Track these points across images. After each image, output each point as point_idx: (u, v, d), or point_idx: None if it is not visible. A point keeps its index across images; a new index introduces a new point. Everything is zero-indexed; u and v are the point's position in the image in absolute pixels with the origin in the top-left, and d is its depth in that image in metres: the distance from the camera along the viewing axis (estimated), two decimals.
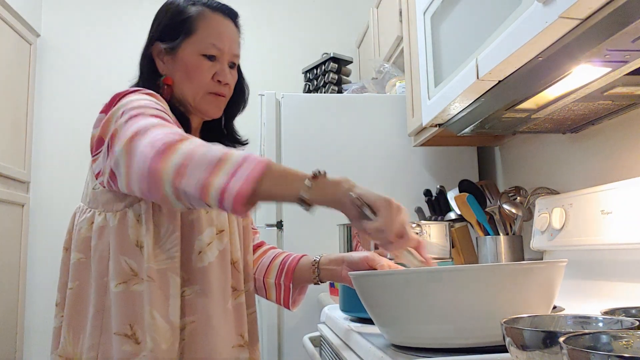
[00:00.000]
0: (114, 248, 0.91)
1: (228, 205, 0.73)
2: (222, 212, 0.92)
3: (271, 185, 0.77)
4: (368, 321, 1.05)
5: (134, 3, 3.19)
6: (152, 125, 0.80)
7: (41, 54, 3.06)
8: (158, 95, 0.95)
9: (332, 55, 2.39)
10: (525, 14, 0.89)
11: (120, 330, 0.87)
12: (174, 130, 0.80)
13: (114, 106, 0.91)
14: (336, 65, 2.39)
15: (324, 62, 2.43)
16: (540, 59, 0.95)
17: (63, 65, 3.08)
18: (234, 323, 0.97)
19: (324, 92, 2.39)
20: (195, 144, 0.77)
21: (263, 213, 1.98)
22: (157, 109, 0.87)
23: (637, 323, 0.52)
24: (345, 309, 1.15)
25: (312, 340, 1.27)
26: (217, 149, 0.76)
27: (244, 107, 1.16)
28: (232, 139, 1.15)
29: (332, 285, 1.71)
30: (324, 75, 2.42)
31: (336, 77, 2.38)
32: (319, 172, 0.79)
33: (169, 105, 0.99)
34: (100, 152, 0.91)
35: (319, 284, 1.11)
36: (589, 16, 0.80)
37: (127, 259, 0.90)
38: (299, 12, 3.32)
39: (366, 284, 0.76)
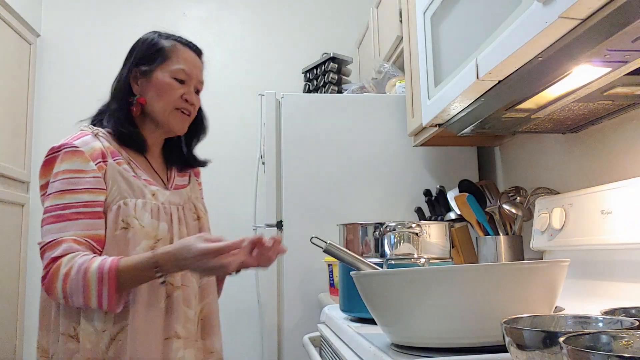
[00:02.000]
0: None
1: (107, 310, 1.06)
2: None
3: (127, 284, 1.05)
4: (368, 321, 1.05)
5: (133, 3, 3.19)
6: (43, 251, 1.07)
7: (41, 54, 3.06)
8: (84, 153, 1.12)
9: (332, 55, 2.39)
10: (525, 14, 0.89)
11: (65, 331, 1.09)
12: (51, 255, 1.05)
13: (48, 164, 1.13)
14: (336, 65, 2.39)
15: (324, 62, 2.43)
16: (540, 59, 0.95)
17: (63, 65, 3.08)
18: (165, 319, 1.13)
19: (324, 92, 2.39)
20: (62, 276, 1.03)
21: (263, 213, 1.98)
22: (69, 190, 1.09)
23: (637, 323, 0.52)
24: (345, 309, 1.15)
25: (312, 340, 1.27)
26: (78, 276, 1.02)
27: (203, 134, 1.35)
28: (191, 161, 1.33)
29: (332, 285, 1.71)
30: (324, 75, 2.42)
31: (336, 77, 2.38)
32: (155, 258, 1.03)
33: (137, 121, 1.21)
34: (42, 194, 1.15)
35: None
36: (589, 16, 0.80)
37: None
38: (299, 12, 3.32)
39: (368, 283, 0.77)
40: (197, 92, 1.26)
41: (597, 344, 0.45)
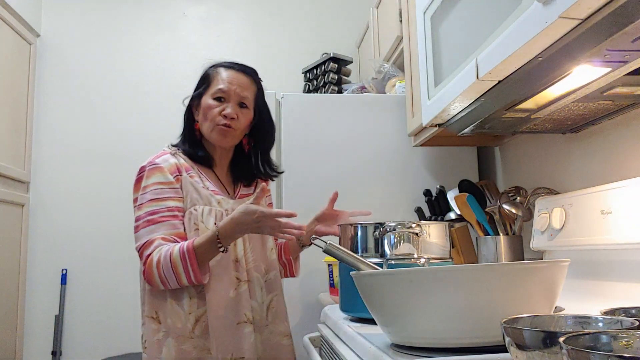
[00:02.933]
0: None
1: (197, 284, 1.28)
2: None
3: (204, 258, 1.25)
4: (368, 321, 1.05)
5: (133, 3, 3.19)
6: (141, 250, 1.28)
7: (41, 54, 3.06)
8: (162, 167, 1.34)
9: (332, 55, 2.39)
10: (525, 14, 0.89)
11: (149, 315, 1.32)
12: (147, 252, 1.27)
13: (139, 180, 1.35)
14: (336, 65, 2.39)
15: (324, 62, 2.43)
16: (540, 59, 0.95)
17: (63, 65, 3.08)
18: (237, 306, 1.31)
19: (324, 92, 2.39)
20: (155, 264, 1.25)
21: None
22: (156, 199, 1.31)
23: (637, 323, 0.52)
24: (345, 309, 1.15)
25: (312, 340, 1.27)
26: (166, 256, 1.24)
27: (271, 142, 1.51)
28: (267, 172, 1.49)
29: (332, 285, 1.71)
30: (324, 75, 2.42)
31: (336, 77, 2.38)
32: (217, 231, 1.24)
33: (200, 142, 1.42)
34: (135, 206, 1.35)
35: (306, 246, 1.52)
36: (589, 16, 0.80)
37: None
38: (299, 12, 3.32)
39: (368, 283, 0.77)
40: (244, 106, 1.39)
41: (597, 344, 0.45)
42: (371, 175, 1.98)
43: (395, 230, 1.13)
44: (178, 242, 1.28)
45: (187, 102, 1.45)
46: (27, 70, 2.94)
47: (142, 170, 1.36)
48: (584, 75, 0.99)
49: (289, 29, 3.29)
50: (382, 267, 1.10)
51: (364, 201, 1.95)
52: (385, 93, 2.17)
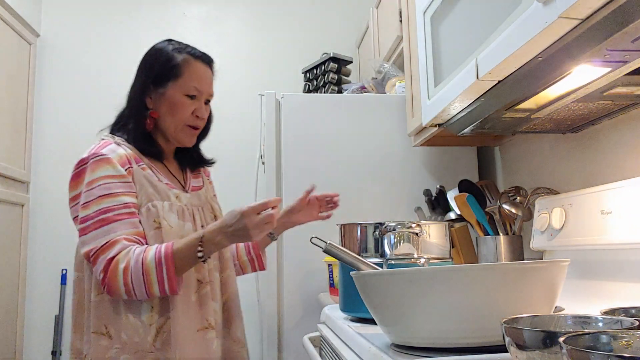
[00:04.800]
0: None
1: (168, 295, 1.14)
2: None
3: (182, 267, 1.13)
4: (368, 321, 1.05)
5: (133, 3, 3.19)
6: (97, 250, 1.12)
7: (41, 54, 3.06)
8: (110, 159, 1.18)
9: (332, 55, 2.39)
10: (525, 14, 0.89)
11: (97, 330, 1.16)
12: (107, 256, 1.10)
13: (79, 175, 1.18)
14: (336, 65, 2.39)
15: (324, 62, 2.43)
16: (540, 59, 0.95)
17: (63, 65, 3.08)
18: (198, 311, 1.20)
19: (324, 92, 2.39)
20: (123, 270, 1.10)
21: None
22: (106, 195, 1.15)
23: (637, 323, 0.52)
24: (345, 309, 1.15)
25: (312, 340, 1.27)
26: (137, 265, 1.09)
27: (206, 136, 1.41)
28: (200, 162, 1.41)
29: (332, 285, 1.71)
30: (324, 75, 2.42)
31: (336, 77, 2.38)
32: (201, 235, 1.12)
33: (151, 135, 1.27)
34: (75, 205, 1.19)
35: (275, 239, 1.45)
36: (589, 16, 0.80)
37: None
38: (298, 12, 3.32)
39: (368, 283, 0.77)
40: (207, 102, 1.31)
41: (597, 344, 0.45)
42: (371, 175, 1.98)
43: (395, 230, 1.13)
44: (141, 243, 1.15)
45: (137, 84, 1.28)
46: (27, 70, 2.94)
47: (83, 163, 1.18)
48: (584, 75, 0.99)
49: (289, 29, 3.29)
50: (382, 267, 1.10)
51: (364, 201, 1.95)
52: (385, 93, 2.17)
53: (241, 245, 1.44)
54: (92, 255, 1.12)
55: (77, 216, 1.17)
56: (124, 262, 1.09)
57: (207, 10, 3.26)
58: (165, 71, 1.25)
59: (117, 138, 1.24)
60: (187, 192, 1.31)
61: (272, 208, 1.11)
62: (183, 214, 1.23)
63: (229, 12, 3.28)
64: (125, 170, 1.18)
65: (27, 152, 2.91)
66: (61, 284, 2.90)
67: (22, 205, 2.85)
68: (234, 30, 3.27)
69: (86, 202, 1.14)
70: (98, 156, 1.17)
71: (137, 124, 1.26)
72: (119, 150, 1.20)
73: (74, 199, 1.19)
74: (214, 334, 1.21)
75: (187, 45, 1.31)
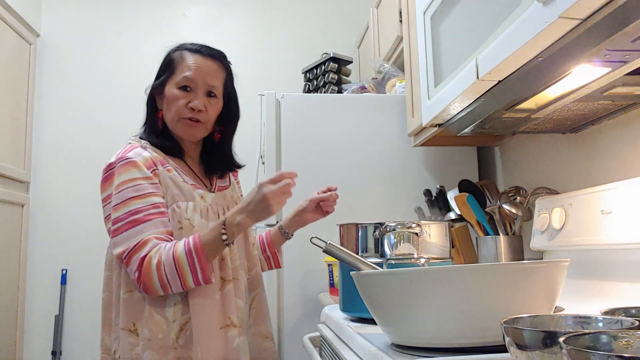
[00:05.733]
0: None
1: (203, 285, 1.16)
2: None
3: (212, 255, 1.15)
4: (368, 321, 1.05)
5: (133, 3, 3.19)
6: (129, 251, 1.14)
7: (41, 54, 3.06)
8: (137, 162, 1.20)
9: (332, 55, 2.39)
10: (525, 14, 0.89)
11: (125, 327, 1.18)
12: (140, 255, 1.12)
13: (108, 178, 1.21)
14: (336, 65, 2.39)
15: (324, 62, 2.43)
16: (540, 59, 0.95)
17: (63, 65, 3.08)
18: (221, 309, 1.21)
19: (324, 92, 2.39)
20: (156, 265, 1.11)
21: None
22: (136, 197, 1.17)
23: (637, 323, 0.52)
24: (345, 309, 1.15)
25: (312, 340, 1.27)
26: (167, 256, 1.11)
27: (232, 133, 1.40)
28: (227, 164, 1.40)
29: (332, 285, 1.71)
30: (324, 75, 2.42)
31: (336, 77, 2.38)
32: (223, 220, 1.14)
33: (166, 133, 1.28)
34: (107, 203, 1.21)
35: (290, 238, 1.47)
36: (589, 16, 0.80)
37: None
38: (299, 12, 3.32)
39: (368, 283, 0.77)
40: (212, 95, 1.28)
41: (597, 344, 0.45)
42: (371, 175, 1.98)
43: (395, 230, 1.13)
44: (172, 240, 1.17)
45: (150, 87, 1.32)
46: (27, 70, 2.94)
47: (111, 167, 1.22)
48: (584, 75, 0.99)
49: (289, 29, 3.29)
50: (382, 267, 1.10)
51: (364, 201, 1.95)
52: (385, 93, 2.17)
53: (257, 243, 1.44)
54: (125, 256, 1.14)
55: (109, 215, 1.19)
56: (156, 258, 1.11)
57: (207, 10, 3.26)
58: (164, 69, 1.29)
59: (142, 142, 1.27)
60: (212, 192, 1.31)
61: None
62: (207, 214, 1.24)
63: (229, 12, 3.28)
64: (151, 172, 1.20)
65: (27, 152, 2.91)
66: (61, 284, 2.90)
67: (22, 205, 2.85)
68: (234, 30, 3.27)
69: (116, 205, 1.17)
70: (124, 160, 1.20)
71: (151, 124, 1.30)
72: (144, 153, 1.22)
73: (105, 200, 1.22)
74: (235, 331, 1.21)
75: (192, 43, 1.30)
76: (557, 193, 1.45)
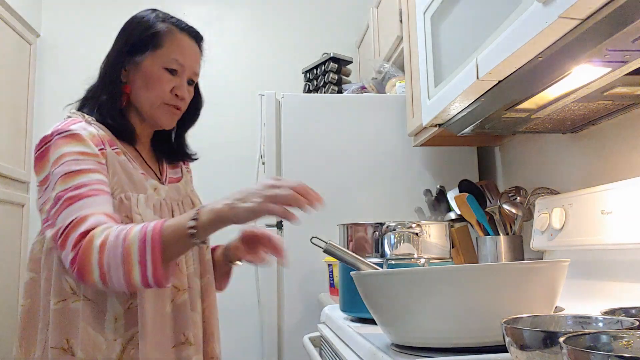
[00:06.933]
0: (56, 268, 0.99)
1: (153, 286, 0.91)
2: None
3: (172, 249, 0.90)
4: (368, 321, 1.05)
5: (134, 3, 3.19)
6: (69, 227, 0.92)
7: (41, 54, 3.06)
8: (81, 135, 1.00)
9: (332, 55, 2.39)
10: (525, 14, 0.89)
11: (57, 345, 0.96)
12: (83, 228, 0.91)
13: (43, 153, 1.00)
14: (336, 65, 2.39)
15: (324, 62, 2.43)
16: (540, 59, 0.95)
17: (63, 65, 3.08)
18: (174, 324, 1.03)
19: (324, 92, 2.39)
20: (98, 246, 0.89)
21: None
22: (79, 172, 0.96)
23: (637, 323, 0.52)
24: (345, 309, 1.15)
25: (312, 340, 1.27)
26: (117, 242, 0.88)
27: (192, 125, 1.25)
28: (182, 154, 1.24)
29: (332, 285, 1.71)
30: (324, 75, 2.42)
31: (336, 77, 2.38)
32: (196, 213, 0.90)
33: (123, 112, 1.10)
34: (42, 192, 1.02)
35: (232, 265, 1.22)
36: (589, 16, 0.80)
37: (68, 278, 0.99)
38: (299, 12, 3.32)
39: (368, 283, 0.77)
40: (191, 83, 1.14)
41: (597, 344, 0.45)
42: (371, 175, 1.98)
43: (395, 230, 1.13)
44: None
45: (112, 54, 1.13)
46: (27, 70, 2.94)
47: (46, 141, 1.00)
48: (584, 75, 0.99)
49: (289, 29, 3.29)
50: (382, 267, 1.10)
51: (364, 201, 1.95)
52: (385, 93, 2.17)
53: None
54: (61, 234, 0.91)
55: (45, 201, 1.00)
56: (101, 238, 0.89)
57: (207, 10, 3.26)
58: (144, 39, 1.09)
59: (86, 116, 1.06)
60: (163, 183, 1.13)
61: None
62: (161, 209, 1.06)
63: (229, 12, 3.28)
64: (99, 150, 1.00)
65: (27, 152, 2.91)
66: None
67: (22, 205, 2.85)
68: (234, 30, 3.27)
69: (53, 182, 0.96)
70: (65, 132, 0.99)
71: (111, 99, 1.08)
72: (90, 128, 1.02)
73: (42, 183, 1.01)
74: (192, 350, 1.03)
75: (173, 17, 1.14)
76: (557, 193, 1.45)
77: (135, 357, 0.97)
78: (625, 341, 0.45)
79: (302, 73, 2.59)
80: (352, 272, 0.82)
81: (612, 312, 0.65)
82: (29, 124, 2.94)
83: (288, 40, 3.27)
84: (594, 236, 1.16)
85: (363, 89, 2.23)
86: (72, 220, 0.91)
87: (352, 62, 2.46)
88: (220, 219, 0.89)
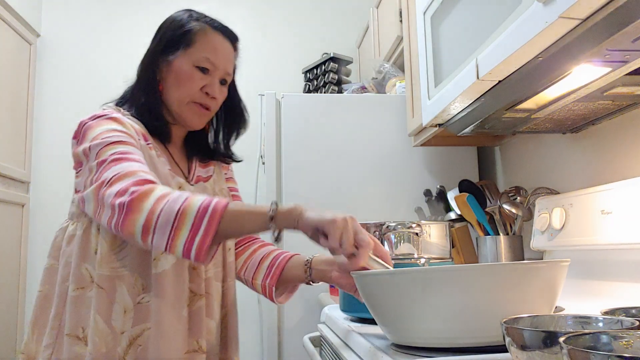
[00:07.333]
0: (76, 255, 0.99)
1: (192, 258, 0.83)
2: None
3: (230, 228, 0.84)
4: (368, 321, 1.05)
5: (133, 3, 3.19)
6: (116, 177, 0.87)
7: (41, 54, 3.06)
8: (119, 118, 1.00)
9: (332, 55, 2.39)
10: (525, 14, 0.89)
11: (72, 332, 0.95)
12: (136, 178, 0.87)
13: (82, 134, 0.99)
14: (336, 65, 2.39)
15: (324, 62, 2.43)
16: (540, 59, 0.95)
17: (63, 65, 3.08)
18: (188, 329, 0.99)
19: (324, 92, 2.39)
20: (156, 197, 0.84)
21: None
22: (121, 142, 0.94)
23: (637, 323, 0.52)
24: (345, 309, 1.15)
25: (312, 340, 1.27)
26: (177, 200, 0.83)
27: (242, 129, 1.21)
28: (217, 154, 1.19)
29: (332, 285, 1.71)
30: (324, 75, 2.42)
31: (336, 77, 2.38)
32: (274, 207, 0.85)
33: (157, 113, 1.07)
34: (79, 173, 1.00)
35: (311, 284, 1.12)
36: (589, 16, 0.80)
37: (87, 266, 0.98)
38: (299, 12, 3.32)
39: (369, 283, 0.76)
40: (224, 83, 1.12)
41: (597, 344, 0.45)
42: (371, 175, 1.98)
43: (395, 230, 1.13)
44: None
45: (148, 56, 1.12)
46: (27, 70, 2.94)
47: (84, 123, 1.00)
48: (584, 75, 0.99)
49: (289, 29, 3.29)
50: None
51: (364, 201, 1.95)
52: (385, 93, 2.17)
53: (266, 264, 1.14)
54: (113, 177, 0.86)
55: (79, 183, 0.98)
56: (163, 191, 0.84)
57: (207, 10, 3.24)
58: (176, 38, 1.09)
59: (121, 109, 1.06)
60: (190, 182, 1.11)
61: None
62: None
63: (229, 11, 3.28)
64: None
65: (27, 152, 2.91)
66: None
67: (22, 205, 2.85)
68: (234, 30, 3.26)
69: (96, 152, 0.92)
70: (103, 115, 0.99)
71: (149, 100, 1.07)
72: (126, 119, 1.01)
73: (78, 165, 0.99)
74: (203, 358, 1.00)
75: (208, 16, 1.13)
76: (557, 193, 1.45)
77: (141, 355, 0.93)
78: (625, 341, 0.45)
79: (302, 73, 2.59)
80: (352, 272, 0.82)
81: (612, 312, 0.65)
82: (29, 124, 2.94)
83: (288, 40, 3.27)
84: (594, 236, 1.16)
85: (363, 89, 2.23)
86: (127, 171, 0.87)
87: (352, 62, 2.46)
88: (291, 214, 0.85)
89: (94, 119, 0.99)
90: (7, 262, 2.67)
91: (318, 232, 0.83)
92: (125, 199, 0.83)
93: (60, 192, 2.98)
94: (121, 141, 0.94)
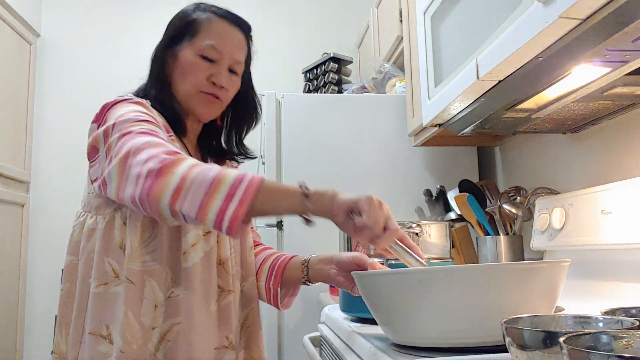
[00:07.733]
0: (99, 250, 0.94)
1: (224, 228, 0.77)
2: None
3: (265, 204, 0.80)
4: (368, 321, 1.05)
5: (134, 3, 3.19)
6: (146, 144, 0.83)
7: (41, 54, 3.06)
8: (145, 104, 0.97)
9: (332, 55, 2.39)
10: (525, 14, 0.89)
11: (96, 331, 0.91)
12: (167, 148, 0.83)
13: (104, 117, 0.95)
14: (336, 65, 2.39)
15: (324, 62, 2.43)
16: (540, 59, 0.95)
17: (63, 65, 3.08)
18: (218, 325, 0.97)
19: (324, 92, 2.39)
20: (189, 165, 0.80)
21: None
22: (148, 121, 0.91)
23: (637, 323, 0.52)
24: (345, 309, 1.15)
25: (312, 340, 1.27)
26: (212, 168, 0.79)
27: (255, 122, 1.17)
28: (230, 153, 1.16)
29: (332, 285, 1.71)
30: (324, 75, 2.42)
31: (336, 77, 2.38)
32: (305, 186, 0.82)
33: (169, 106, 1.03)
34: (95, 160, 0.95)
35: (308, 285, 1.11)
36: (589, 16, 0.80)
37: (111, 261, 0.94)
38: (299, 12, 3.32)
39: (369, 283, 0.77)
40: (232, 72, 1.07)
41: (597, 344, 0.45)
42: (371, 175, 1.98)
43: None
44: None
45: (157, 50, 1.09)
46: (27, 70, 2.94)
47: (105, 107, 0.96)
48: (584, 75, 0.99)
49: (289, 29, 3.29)
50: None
51: None
52: (385, 93, 2.17)
53: (267, 265, 1.12)
54: (138, 147, 0.82)
55: (93, 164, 0.94)
56: (196, 161, 0.81)
57: None
58: (181, 29, 1.06)
59: (143, 101, 1.02)
60: None
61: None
62: None
63: None
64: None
65: (27, 152, 2.91)
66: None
67: (22, 205, 2.85)
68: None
69: (120, 130, 0.87)
70: (130, 99, 0.96)
71: (159, 92, 1.04)
72: (151, 108, 0.99)
73: (94, 153, 0.94)
74: (232, 355, 0.98)
75: (215, 6, 1.09)
76: (557, 193, 1.45)
77: (172, 351, 0.91)
78: (625, 341, 0.45)
79: (302, 73, 2.59)
80: (352, 272, 0.82)
81: (612, 312, 0.65)
82: (29, 124, 2.94)
83: (288, 40, 3.27)
84: (594, 236, 1.16)
85: (363, 89, 2.23)
86: (156, 142, 0.83)
87: (352, 62, 2.46)
88: (326, 192, 0.83)
89: (119, 102, 0.96)
90: (7, 262, 2.67)
91: (351, 214, 0.82)
92: (155, 164, 0.79)
93: (60, 192, 2.98)
94: (148, 120, 0.90)
